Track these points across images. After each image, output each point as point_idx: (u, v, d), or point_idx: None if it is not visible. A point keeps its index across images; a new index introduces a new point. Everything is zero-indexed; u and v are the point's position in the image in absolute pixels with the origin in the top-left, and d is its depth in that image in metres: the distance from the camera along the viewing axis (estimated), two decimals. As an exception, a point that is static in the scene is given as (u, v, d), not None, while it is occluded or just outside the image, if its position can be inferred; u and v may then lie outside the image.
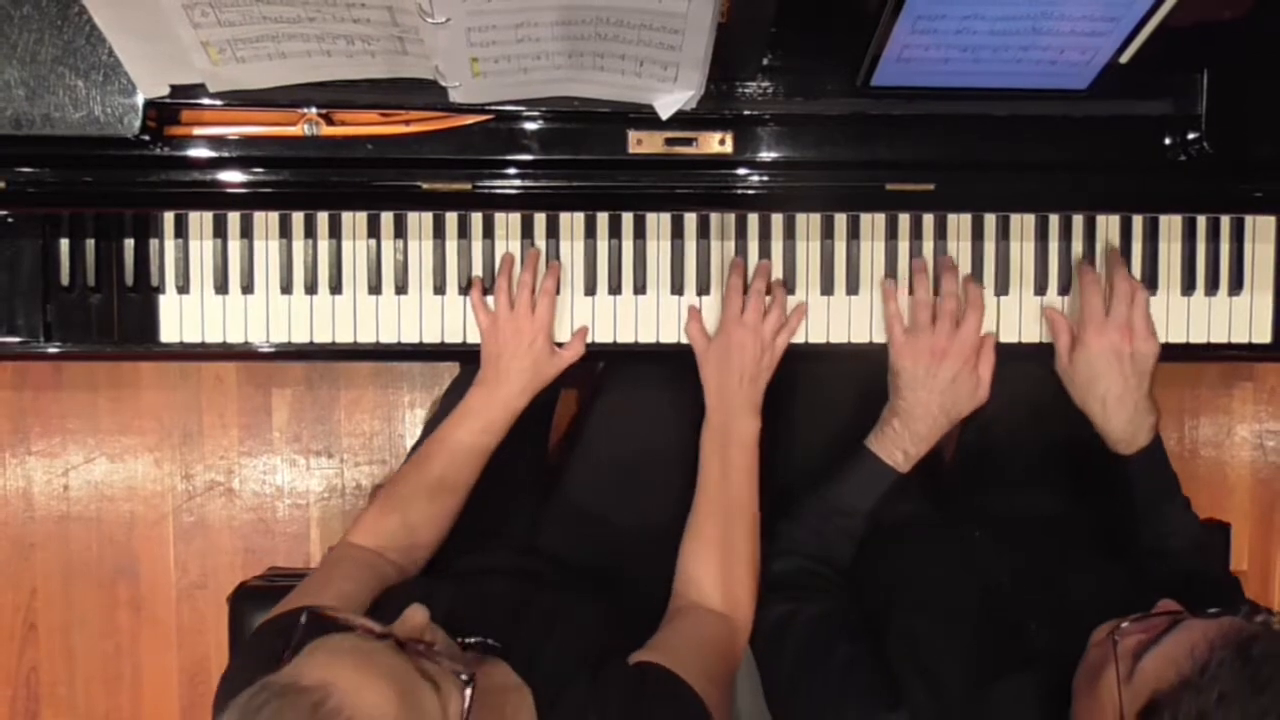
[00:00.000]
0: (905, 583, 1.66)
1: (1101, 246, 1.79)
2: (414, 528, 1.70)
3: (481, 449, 1.74)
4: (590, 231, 1.78)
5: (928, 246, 1.78)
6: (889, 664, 1.54)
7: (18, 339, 1.76)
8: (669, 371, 1.84)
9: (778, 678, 1.61)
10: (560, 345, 1.76)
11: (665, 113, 1.53)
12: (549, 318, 1.73)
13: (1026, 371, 1.86)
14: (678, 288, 1.78)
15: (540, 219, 1.77)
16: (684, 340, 1.77)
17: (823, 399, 1.95)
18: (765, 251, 1.78)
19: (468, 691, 1.19)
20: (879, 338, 1.77)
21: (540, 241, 1.77)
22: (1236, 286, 1.80)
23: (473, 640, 1.26)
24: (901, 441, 1.71)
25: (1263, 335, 1.81)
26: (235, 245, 1.77)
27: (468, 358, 1.82)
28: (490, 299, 1.75)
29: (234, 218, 1.76)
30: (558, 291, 1.75)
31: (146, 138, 1.53)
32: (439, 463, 1.73)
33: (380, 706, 1.10)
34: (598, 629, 1.54)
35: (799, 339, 1.78)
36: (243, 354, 1.80)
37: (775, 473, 1.92)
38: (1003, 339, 1.78)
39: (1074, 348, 1.71)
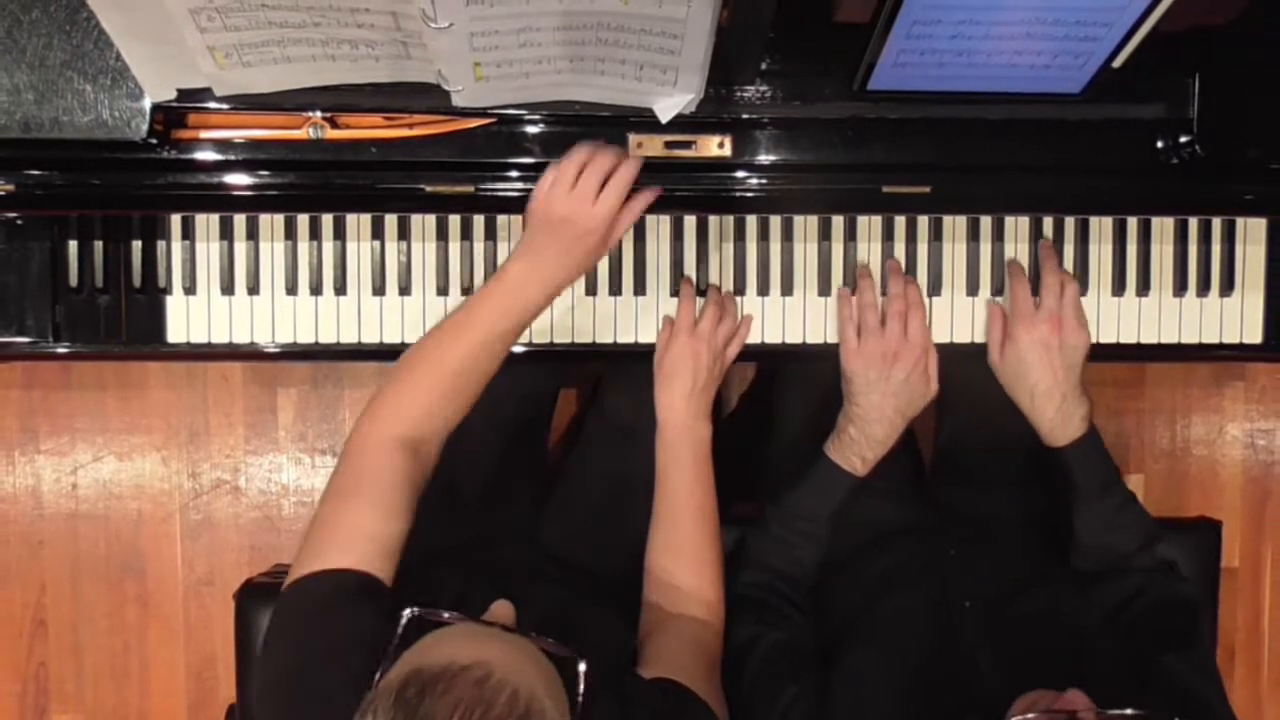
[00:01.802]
0: (865, 611, 1.67)
1: (1095, 249, 1.81)
2: (434, 414, 1.55)
3: (509, 334, 1.58)
4: (591, 233, 1.79)
5: (923, 248, 1.80)
6: (830, 701, 1.55)
7: (27, 339, 1.76)
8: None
9: (733, 702, 1.61)
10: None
11: (665, 116, 1.55)
12: (616, 203, 1.53)
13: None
14: (677, 289, 1.78)
15: (542, 221, 1.78)
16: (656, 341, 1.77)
17: (820, 398, 1.93)
18: (763, 253, 1.79)
19: (581, 667, 1.23)
20: None
21: (542, 243, 1.78)
22: (1228, 287, 1.81)
23: None
24: (858, 447, 1.72)
25: (1253, 335, 1.82)
26: (241, 247, 1.78)
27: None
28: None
29: (240, 220, 1.77)
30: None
31: (154, 141, 1.54)
32: (464, 344, 1.55)
33: (534, 675, 1.15)
34: (619, 643, 1.56)
35: (796, 339, 1.79)
36: (248, 354, 1.81)
37: (771, 471, 1.94)
38: (997, 337, 1.79)
39: (1004, 341, 1.73)
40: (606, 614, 1.63)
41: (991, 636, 1.57)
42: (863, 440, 1.71)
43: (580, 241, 1.54)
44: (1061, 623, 1.61)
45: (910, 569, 1.71)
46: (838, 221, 1.79)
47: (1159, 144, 1.63)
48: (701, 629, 1.62)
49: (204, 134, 1.58)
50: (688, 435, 1.69)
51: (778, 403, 2.06)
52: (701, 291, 1.78)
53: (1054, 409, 1.69)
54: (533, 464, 2.04)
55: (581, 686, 1.22)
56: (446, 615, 1.24)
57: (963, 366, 1.77)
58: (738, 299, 1.79)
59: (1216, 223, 1.81)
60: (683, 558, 1.66)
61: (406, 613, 1.23)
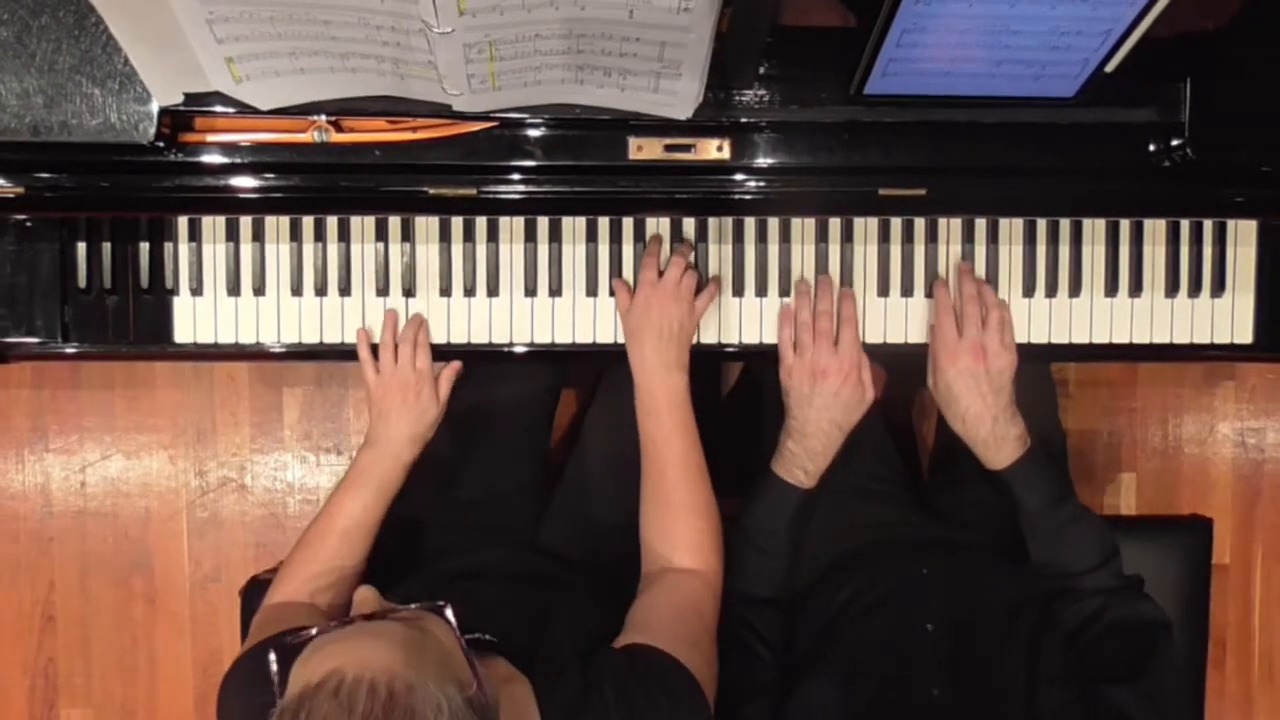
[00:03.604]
0: (826, 639, 1.67)
1: (1088, 250, 1.82)
2: (326, 590, 1.69)
3: (381, 505, 1.74)
4: (592, 235, 1.80)
5: (919, 250, 1.81)
6: None
7: (37, 339, 1.77)
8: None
9: None
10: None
11: (680, 114, 1.56)
12: (429, 367, 1.76)
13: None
14: (677, 290, 1.79)
15: (543, 223, 1.79)
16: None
17: None
18: (761, 255, 1.80)
19: (448, 612, 1.25)
20: (871, 338, 1.80)
21: (543, 245, 1.79)
22: (1219, 288, 1.82)
23: (469, 638, 1.28)
24: (799, 460, 1.74)
25: (1244, 336, 1.84)
26: (247, 248, 1.79)
27: (472, 358, 1.84)
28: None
29: (246, 222, 1.78)
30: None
31: (161, 144, 1.55)
32: (339, 530, 1.72)
33: (388, 657, 1.15)
34: (590, 620, 1.56)
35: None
36: (254, 354, 1.82)
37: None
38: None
39: (934, 371, 1.75)
40: (582, 599, 1.64)
41: (950, 665, 1.57)
42: (802, 453, 1.73)
43: (417, 403, 1.75)
44: (1020, 652, 1.59)
45: (877, 593, 1.70)
46: (834, 224, 1.80)
47: (1151, 147, 1.64)
48: (687, 586, 1.62)
49: (210, 137, 1.59)
50: (660, 386, 1.70)
51: (772, 403, 2.06)
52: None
53: (986, 431, 1.71)
54: (533, 463, 2.05)
55: (452, 622, 1.25)
56: (303, 636, 1.25)
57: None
58: (736, 300, 1.80)
59: (1208, 225, 1.82)
60: (670, 510, 1.67)
61: (271, 655, 1.25)
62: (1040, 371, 2.09)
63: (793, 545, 1.75)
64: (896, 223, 1.81)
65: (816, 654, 1.65)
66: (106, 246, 1.78)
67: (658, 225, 1.80)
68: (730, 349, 1.82)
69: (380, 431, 1.75)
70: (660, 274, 1.73)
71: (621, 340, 1.78)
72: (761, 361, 1.79)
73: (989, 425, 1.71)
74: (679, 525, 1.66)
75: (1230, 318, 1.83)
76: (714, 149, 1.63)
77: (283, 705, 1.16)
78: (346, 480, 1.75)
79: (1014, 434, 1.72)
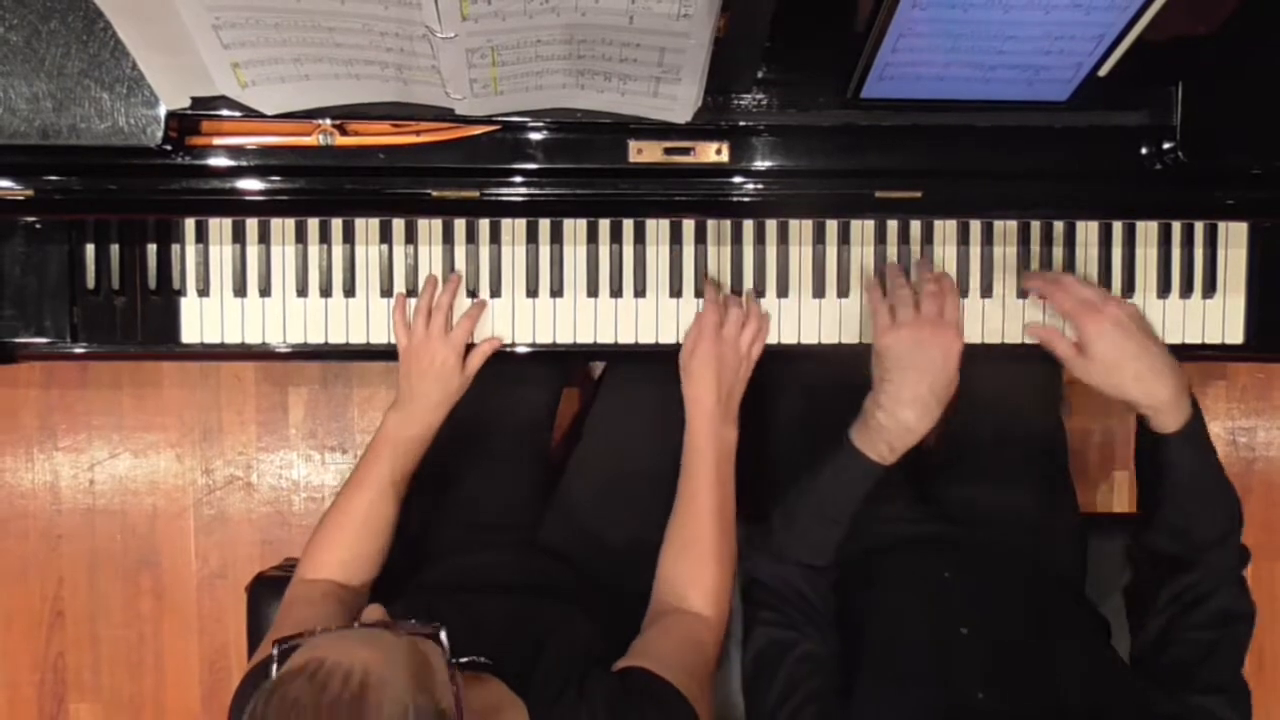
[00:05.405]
0: (872, 640, 1.64)
1: (1081, 252, 1.83)
2: (357, 555, 1.73)
3: (407, 470, 1.77)
4: (592, 237, 1.81)
5: (915, 251, 1.81)
6: None
7: (46, 339, 1.79)
8: (668, 371, 1.83)
9: (759, 711, 1.59)
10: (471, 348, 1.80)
11: (680, 118, 1.57)
12: (463, 338, 1.76)
13: (1002, 369, 1.88)
14: (676, 291, 1.81)
15: (545, 225, 1.80)
16: (683, 342, 1.78)
17: (810, 398, 1.96)
18: (759, 256, 1.81)
19: (442, 635, 1.26)
20: (869, 339, 1.77)
21: (544, 246, 1.80)
22: (1210, 289, 1.83)
23: (465, 660, 1.30)
24: (886, 434, 1.60)
25: (1235, 336, 1.84)
26: (253, 250, 1.80)
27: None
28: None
29: (252, 224, 1.79)
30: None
31: (168, 147, 1.55)
32: (368, 491, 1.75)
33: (369, 654, 1.17)
34: (587, 642, 1.57)
35: (791, 340, 1.81)
36: (260, 354, 1.84)
37: (761, 470, 1.95)
38: (986, 340, 1.81)
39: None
40: (577, 614, 1.65)
41: (991, 667, 1.55)
42: (892, 425, 1.60)
43: (443, 370, 1.75)
44: (1068, 648, 1.57)
45: (903, 598, 1.68)
46: (831, 225, 1.81)
47: (1143, 150, 1.65)
48: (694, 625, 1.63)
49: (217, 140, 1.60)
50: (714, 439, 1.72)
51: (767, 404, 2.06)
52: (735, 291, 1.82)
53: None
54: (534, 463, 2.05)
55: (446, 647, 1.26)
56: (305, 633, 1.27)
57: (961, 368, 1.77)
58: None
59: (1199, 227, 1.83)
60: (691, 551, 1.68)
61: (274, 649, 1.26)
62: (1046, 371, 2.08)
63: (850, 529, 1.67)
64: (893, 224, 1.82)
65: (854, 662, 1.62)
66: (114, 248, 1.79)
67: (658, 227, 1.81)
68: (729, 349, 1.82)
69: (406, 394, 1.76)
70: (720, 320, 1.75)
71: (623, 340, 1.80)
72: (765, 360, 1.79)
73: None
74: (700, 569, 1.67)
75: (1221, 318, 1.84)
76: (713, 152, 1.64)
77: (265, 685, 1.18)
78: (373, 444, 1.77)
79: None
